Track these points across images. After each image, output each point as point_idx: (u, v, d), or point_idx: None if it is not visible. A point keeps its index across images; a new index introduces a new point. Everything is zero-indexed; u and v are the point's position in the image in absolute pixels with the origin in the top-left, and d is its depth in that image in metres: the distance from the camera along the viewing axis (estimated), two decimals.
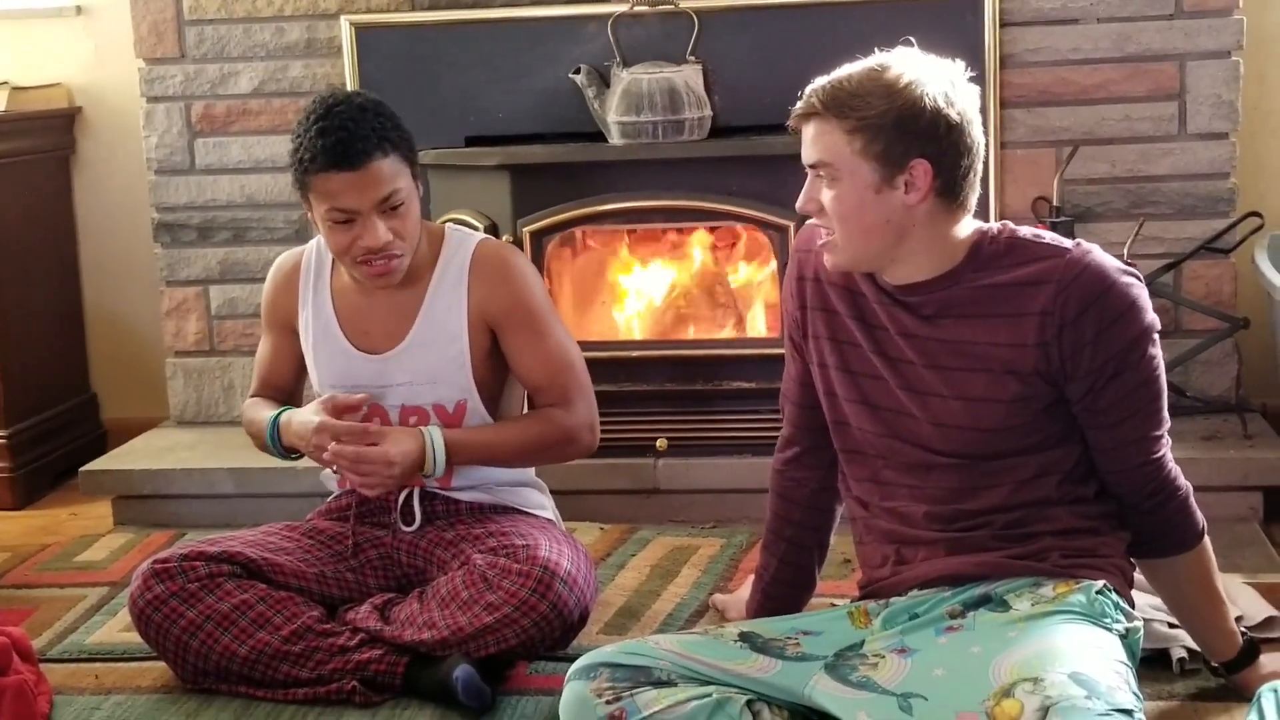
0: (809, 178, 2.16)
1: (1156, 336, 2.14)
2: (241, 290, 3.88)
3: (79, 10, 4.13)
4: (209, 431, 3.87)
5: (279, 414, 2.68)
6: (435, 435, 2.60)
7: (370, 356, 2.69)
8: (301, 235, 3.76)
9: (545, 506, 2.82)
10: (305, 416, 2.62)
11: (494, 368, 2.72)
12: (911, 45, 2.16)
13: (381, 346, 2.69)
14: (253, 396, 2.85)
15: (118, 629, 2.91)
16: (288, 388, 2.84)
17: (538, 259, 3.51)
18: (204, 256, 3.88)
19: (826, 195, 2.13)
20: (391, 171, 2.53)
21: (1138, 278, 2.14)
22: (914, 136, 2.08)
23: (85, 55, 4.15)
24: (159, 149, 3.84)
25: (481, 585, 2.51)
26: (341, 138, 2.49)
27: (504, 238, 3.47)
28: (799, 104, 2.14)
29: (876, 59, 2.13)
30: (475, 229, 3.47)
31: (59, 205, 4.17)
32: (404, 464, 2.55)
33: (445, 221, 3.45)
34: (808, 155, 2.14)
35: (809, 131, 2.13)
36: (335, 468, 2.61)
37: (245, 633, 2.51)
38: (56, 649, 2.84)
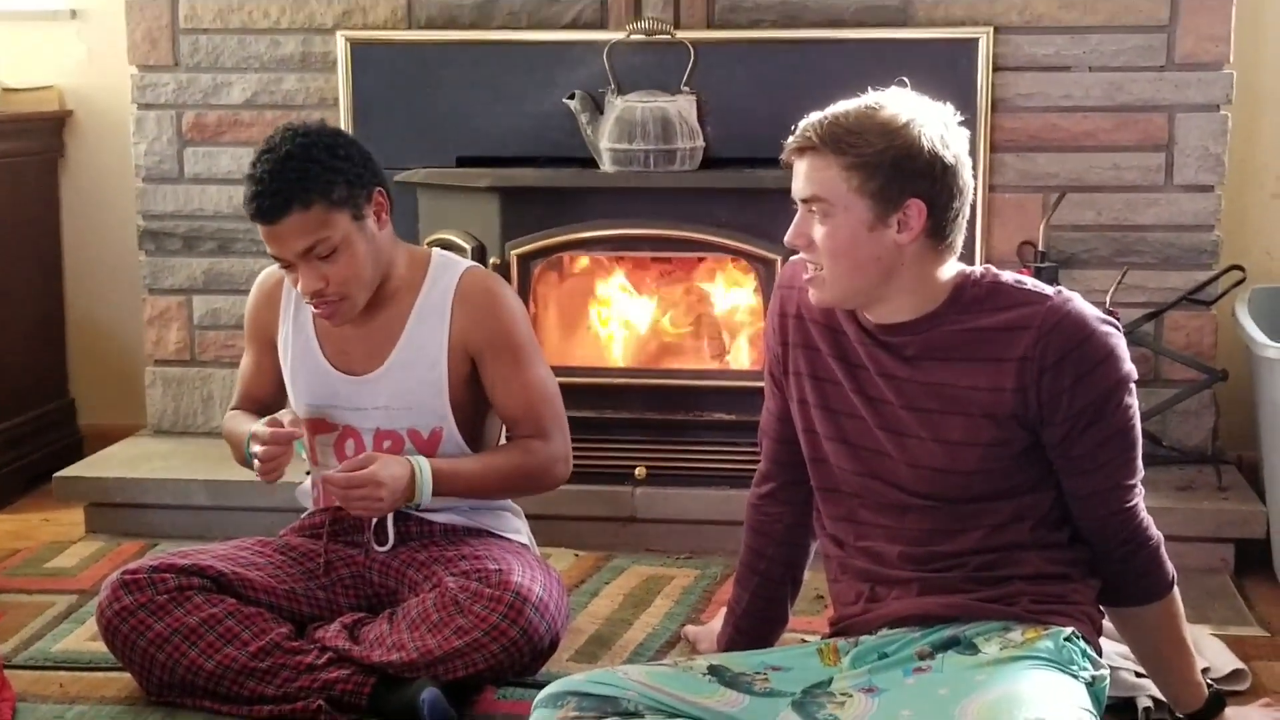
0: (799, 212, 2.16)
1: (1133, 386, 2.15)
2: (224, 301, 3.87)
3: (74, 14, 4.13)
4: (186, 441, 3.86)
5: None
6: (424, 464, 2.58)
7: (348, 378, 2.69)
8: None
9: (520, 531, 2.82)
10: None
11: (472, 396, 2.71)
12: (905, 86, 2.17)
13: (360, 368, 2.69)
14: (234, 409, 2.84)
15: (85, 638, 2.89)
16: (269, 401, 2.83)
17: (524, 282, 3.51)
18: (188, 266, 3.88)
19: (818, 231, 2.13)
20: (313, 223, 2.50)
21: (1117, 327, 2.15)
22: (910, 176, 2.09)
23: (78, 59, 4.15)
24: (148, 156, 3.84)
25: (452, 608, 2.50)
26: (258, 191, 2.49)
27: (490, 260, 3.48)
28: (793, 138, 2.14)
29: (872, 97, 2.14)
30: (463, 249, 3.48)
31: (45, 208, 4.16)
32: (393, 488, 2.53)
33: (431, 243, 3.46)
34: (801, 190, 2.14)
35: (803, 166, 2.13)
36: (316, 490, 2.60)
37: (212, 647, 2.50)
38: (22, 655, 2.82)
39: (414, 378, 2.66)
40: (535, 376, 2.70)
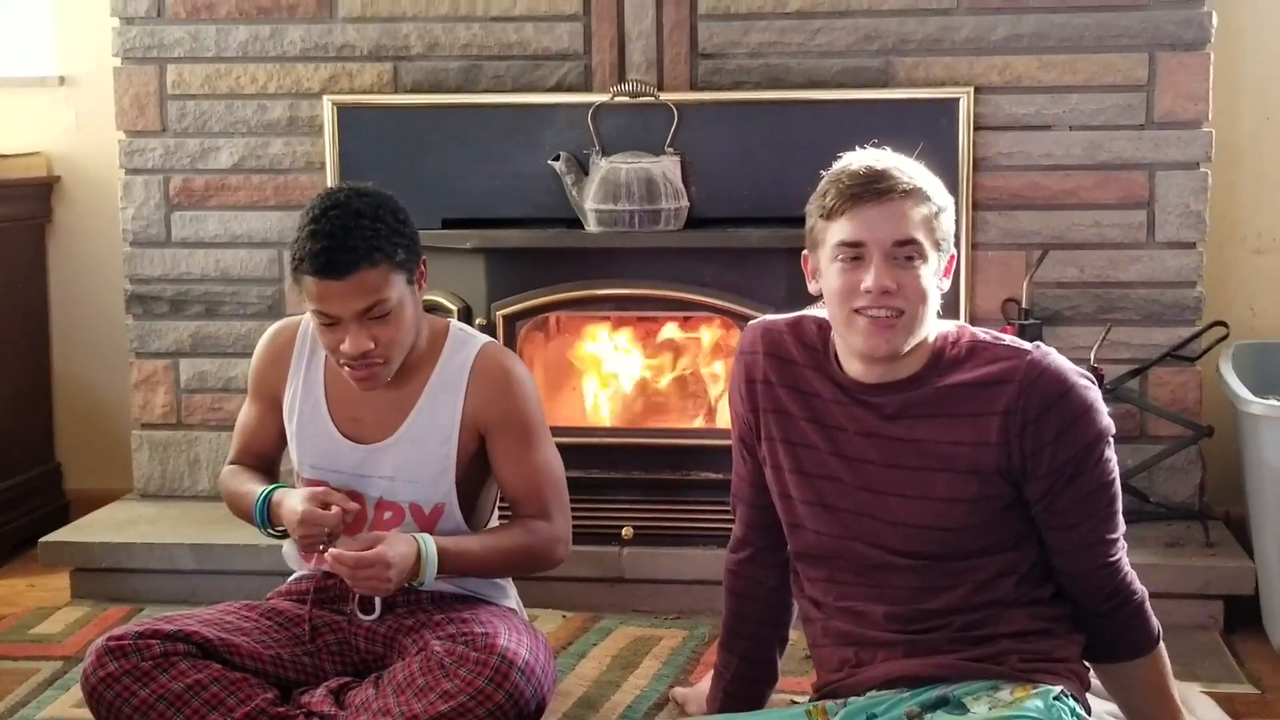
0: (882, 255, 2.12)
1: (1112, 440, 2.17)
2: (211, 364, 3.87)
3: (62, 80, 4.16)
4: (172, 505, 3.85)
5: (269, 492, 2.65)
6: (429, 543, 2.55)
7: (356, 445, 2.68)
8: (275, 311, 3.76)
9: (508, 595, 2.80)
10: (294, 504, 2.57)
11: (476, 474, 2.70)
12: (882, 149, 2.21)
13: (370, 437, 2.67)
14: (231, 463, 2.82)
15: (70, 704, 2.87)
16: (269, 457, 2.81)
17: (510, 343, 3.52)
18: (175, 329, 3.88)
19: (908, 274, 2.13)
20: (377, 282, 2.49)
21: (1093, 382, 2.17)
22: (951, 227, 2.18)
23: (66, 125, 4.17)
24: (135, 221, 3.85)
25: (438, 672, 2.48)
26: (328, 245, 2.46)
27: (476, 321, 3.49)
28: (877, 181, 2.13)
29: (887, 152, 2.19)
30: (449, 311, 3.49)
31: (33, 273, 4.17)
32: (400, 567, 2.49)
33: (429, 300, 3.47)
34: (899, 232, 2.12)
35: (898, 208, 2.12)
36: (316, 561, 2.59)
37: (198, 714, 2.47)
38: None
39: (423, 453, 2.65)
40: (543, 458, 2.69)
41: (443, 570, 2.56)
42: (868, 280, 2.12)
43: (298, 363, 2.73)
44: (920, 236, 2.13)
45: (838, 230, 2.15)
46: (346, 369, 2.57)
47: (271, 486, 2.67)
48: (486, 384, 2.66)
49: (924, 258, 2.13)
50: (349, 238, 2.47)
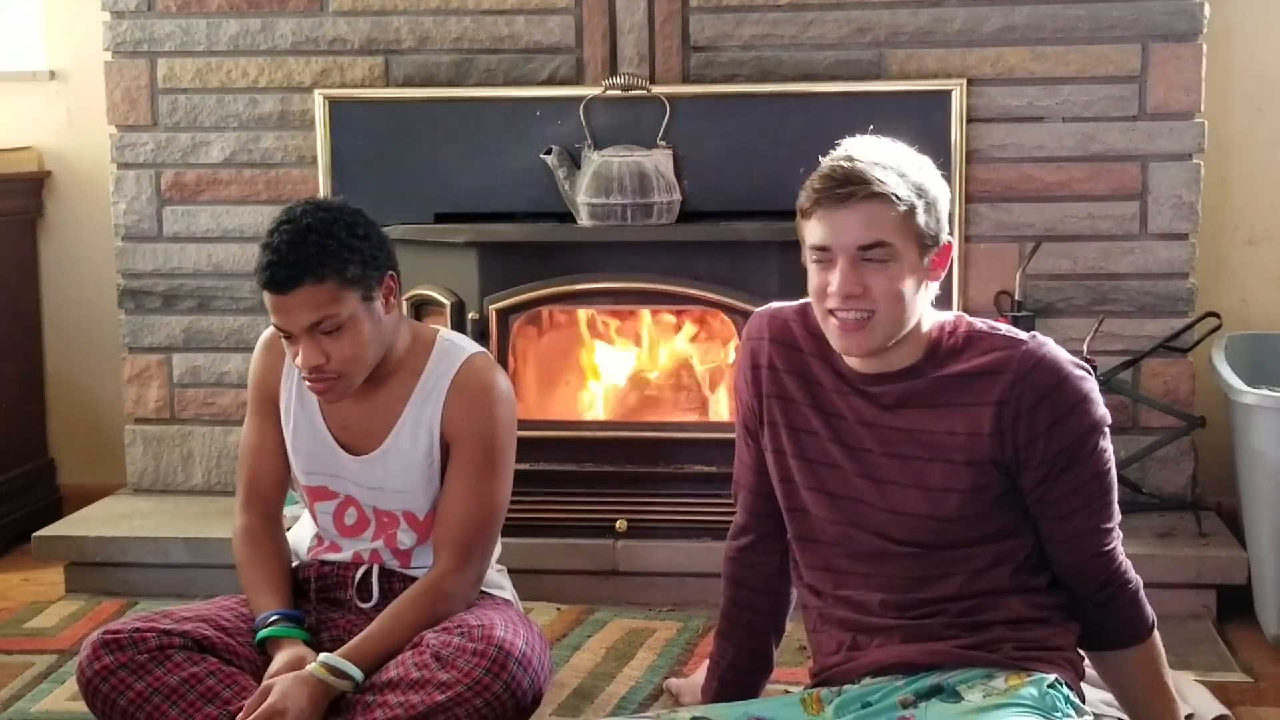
0: (847, 260, 2.11)
1: (1108, 430, 2.17)
2: (204, 359, 3.87)
3: (53, 75, 4.15)
4: (166, 500, 3.85)
5: (269, 634, 2.56)
6: (332, 661, 2.47)
7: (348, 455, 2.68)
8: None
9: (504, 587, 2.80)
10: (269, 676, 2.48)
11: None
12: (876, 138, 2.20)
13: (360, 447, 2.67)
14: (240, 514, 2.73)
15: (65, 698, 2.87)
16: (274, 499, 2.75)
17: (503, 337, 3.52)
18: (168, 324, 3.88)
19: (877, 277, 2.11)
20: (325, 298, 2.48)
21: (1089, 372, 2.17)
22: (941, 218, 2.15)
23: (57, 120, 4.17)
24: (127, 215, 3.85)
25: (435, 664, 2.48)
26: (273, 260, 2.47)
27: (469, 315, 3.49)
28: (843, 186, 2.10)
29: (880, 141, 2.17)
30: (442, 305, 3.49)
31: (24, 268, 4.16)
32: (298, 707, 2.40)
33: (410, 299, 3.47)
34: (861, 236, 2.10)
35: (861, 212, 2.09)
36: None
37: (193, 707, 2.47)
38: (1, 716, 2.81)
39: (408, 463, 2.64)
40: (487, 490, 2.64)
41: (365, 663, 2.49)
42: (833, 284, 2.12)
43: (289, 368, 2.72)
44: (890, 238, 2.10)
45: (810, 231, 2.15)
46: (306, 382, 2.58)
47: (272, 630, 2.57)
48: (463, 395, 2.64)
49: (896, 258, 2.11)
50: (293, 253, 2.46)
